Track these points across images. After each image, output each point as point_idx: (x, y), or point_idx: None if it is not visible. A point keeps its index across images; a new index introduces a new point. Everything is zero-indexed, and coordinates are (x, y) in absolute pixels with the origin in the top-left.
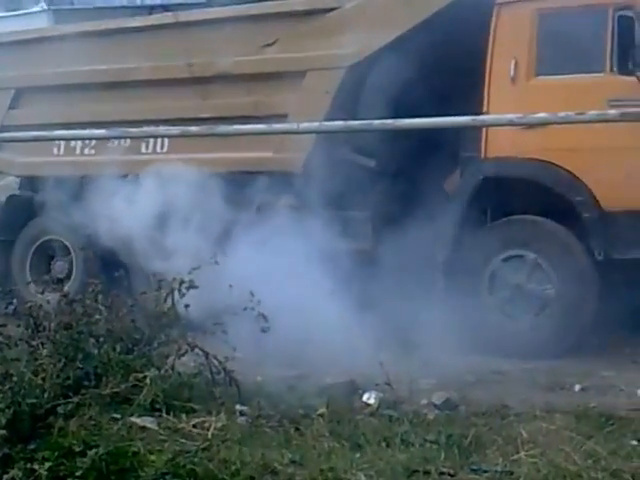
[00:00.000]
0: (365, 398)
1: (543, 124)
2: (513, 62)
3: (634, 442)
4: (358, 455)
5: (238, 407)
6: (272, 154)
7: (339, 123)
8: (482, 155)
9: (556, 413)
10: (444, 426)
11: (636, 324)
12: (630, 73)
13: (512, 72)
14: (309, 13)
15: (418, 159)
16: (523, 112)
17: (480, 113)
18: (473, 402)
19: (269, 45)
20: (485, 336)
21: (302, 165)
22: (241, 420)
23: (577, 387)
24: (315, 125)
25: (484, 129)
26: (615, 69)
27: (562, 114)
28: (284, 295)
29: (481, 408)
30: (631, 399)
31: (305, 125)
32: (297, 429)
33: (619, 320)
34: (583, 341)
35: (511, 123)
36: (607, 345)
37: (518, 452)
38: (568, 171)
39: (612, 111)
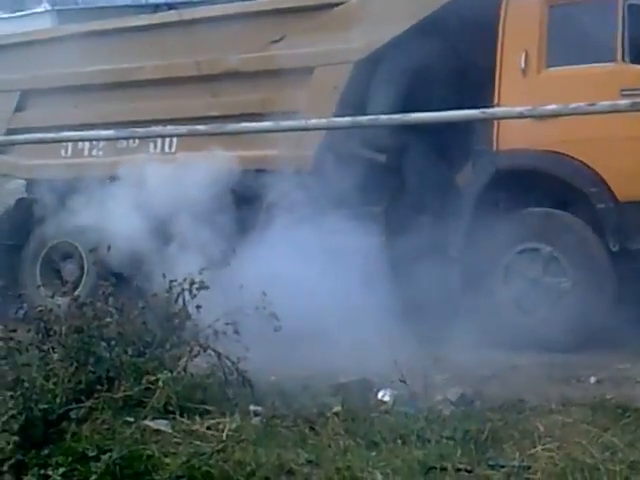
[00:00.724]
0: (380, 395)
1: (553, 116)
2: (523, 54)
3: None
4: (374, 453)
5: (252, 408)
6: (281, 151)
7: (347, 119)
8: (494, 147)
9: (572, 406)
10: (460, 422)
11: None
12: None
13: (523, 64)
14: (316, 8)
15: (430, 153)
16: (535, 104)
17: (491, 105)
18: (489, 397)
19: (276, 41)
20: (500, 330)
21: (312, 161)
22: (255, 421)
23: (593, 379)
24: (324, 121)
25: (496, 121)
26: (627, 58)
27: (573, 105)
28: (297, 294)
29: (497, 403)
30: None
31: (313, 121)
32: (312, 428)
33: (634, 312)
34: (598, 333)
35: (521, 116)
36: (622, 337)
37: (535, 446)
38: (582, 162)
39: (623, 101)
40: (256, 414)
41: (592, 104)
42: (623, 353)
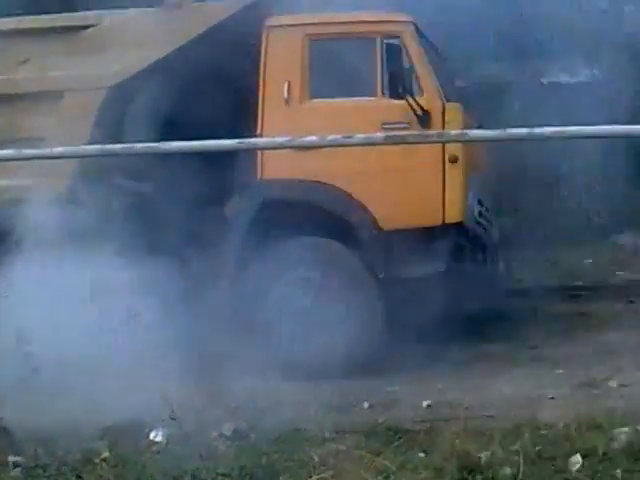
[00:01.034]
0: (152, 436)
1: (312, 147)
2: (286, 85)
3: (421, 454)
4: None
5: (11, 458)
6: (32, 181)
7: (97, 147)
8: (259, 177)
9: (346, 433)
10: (236, 457)
11: (419, 338)
12: (400, 97)
13: (286, 94)
14: (63, 30)
15: (198, 183)
16: (297, 134)
17: (254, 135)
18: (264, 429)
19: (22, 63)
20: (275, 361)
21: (67, 192)
22: (15, 472)
23: (365, 405)
24: (71, 149)
25: (260, 151)
26: (386, 93)
27: (330, 137)
28: (57, 335)
29: (273, 435)
30: (416, 412)
31: (59, 149)
32: (79, 476)
33: (401, 336)
34: (369, 358)
35: (281, 146)
36: (390, 360)
37: (310, 476)
38: (344, 192)
39: (378, 134)
40: (15, 465)
41: (349, 136)
42: (391, 376)
